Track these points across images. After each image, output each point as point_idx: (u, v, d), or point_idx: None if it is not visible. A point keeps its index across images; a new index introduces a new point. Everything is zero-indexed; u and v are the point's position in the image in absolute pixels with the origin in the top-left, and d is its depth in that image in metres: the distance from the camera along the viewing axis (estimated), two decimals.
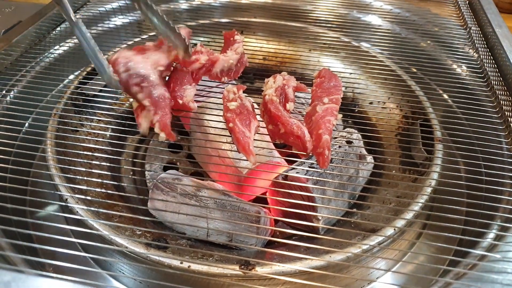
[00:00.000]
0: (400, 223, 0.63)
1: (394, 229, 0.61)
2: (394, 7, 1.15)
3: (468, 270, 0.51)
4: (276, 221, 0.77)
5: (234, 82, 0.96)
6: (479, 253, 0.54)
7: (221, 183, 0.78)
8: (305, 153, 0.61)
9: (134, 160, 0.90)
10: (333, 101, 0.67)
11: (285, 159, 0.82)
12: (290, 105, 0.66)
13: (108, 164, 0.81)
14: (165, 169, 0.89)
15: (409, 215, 0.64)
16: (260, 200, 0.79)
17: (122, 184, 0.82)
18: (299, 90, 0.71)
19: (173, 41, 0.66)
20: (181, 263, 0.55)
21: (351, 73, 1.01)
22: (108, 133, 0.86)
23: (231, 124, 0.61)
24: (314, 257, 0.59)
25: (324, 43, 1.04)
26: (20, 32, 0.84)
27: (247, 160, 0.71)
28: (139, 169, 0.89)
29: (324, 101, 0.66)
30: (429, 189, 0.67)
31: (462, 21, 1.07)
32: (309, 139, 0.60)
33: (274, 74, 0.77)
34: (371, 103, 0.96)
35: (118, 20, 1.09)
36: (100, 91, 0.87)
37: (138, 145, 0.93)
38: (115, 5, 1.10)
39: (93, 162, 0.79)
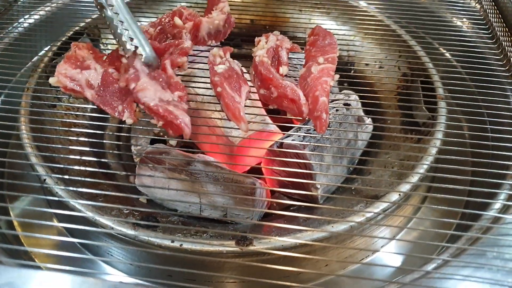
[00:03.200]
0: (405, 187, 0.59)
1: (399, 194, 0.57)
2: None
3: (482, 235, 0.47)
4: (272, 192, 0.73)
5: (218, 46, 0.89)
6: (492, 214, 0.51)
7: (212, 154, 0.74)
8: (301, 118, 0.56)
9: (119, 134, 0.84)
10: (329, 60, 0.61)
11: (278, 126, 0.77)
12: (283, 69, 0.60)
13: (90, 140, 0.76)
14: (152, 142, 0.84)
15: (414, 178, 0.60)
16: (255, 171, 0.75)
17: (106, 160, 0.77)
18: (293, 51, 0.65)
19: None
20: (172, 242, 0.51)
21: (344, 33, 0.95)
22: (89, 107, 0.80)
23: (219, 89, 0.55)
24: (315, 228, 0.55)
25: (315, 2, 0.97)
26: None
27: (238, 129, 0.66)
28: (125, 143, 0.84)
29: (319, 61, 0.61)
30: (434, 150, 0.63)
31: None
32: (305, 102, 0.55)
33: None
34: (367, 64, 0.91)
35: None
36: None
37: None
38: None
39: (73, 138, 0.74)
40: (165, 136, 0.85)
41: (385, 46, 0.89)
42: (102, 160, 0.75)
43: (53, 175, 0.60)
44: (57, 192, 0.57)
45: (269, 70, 0.57)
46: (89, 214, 0.54)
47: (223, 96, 0.55)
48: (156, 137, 0.84)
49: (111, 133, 0.83)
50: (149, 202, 0.70)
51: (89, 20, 0.88)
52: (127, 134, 0.85)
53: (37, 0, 0.93)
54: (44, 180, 0.59)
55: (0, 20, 0.84)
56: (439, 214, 0.65)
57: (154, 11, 0.94)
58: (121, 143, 0.84)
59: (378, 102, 0.84)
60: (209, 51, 0.69)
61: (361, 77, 0.90)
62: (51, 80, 0.57)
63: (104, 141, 0.80)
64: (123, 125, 0.86)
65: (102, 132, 0.81)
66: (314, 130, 0.67)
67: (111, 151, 0.79)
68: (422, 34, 0.87)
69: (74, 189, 0.57)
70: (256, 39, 0.66)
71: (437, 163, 0.62)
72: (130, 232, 0.52)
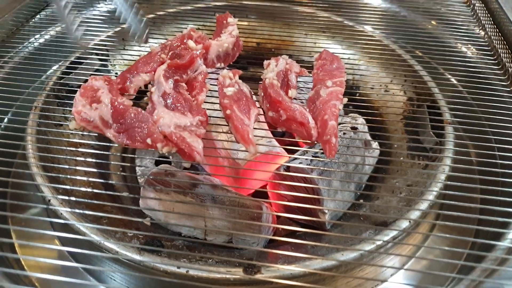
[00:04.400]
0: (414, 214, 0.58)
1: (409, 222, 0.56)
2: None
3: (498, 266, 0.46)
4: (278, 217, 0.72)
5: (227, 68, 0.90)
6: (507, 245, 0.50)
7: (218, 177, 0.73)
8: (310, 141, 0.55)
9: (123, 155, 0.84)
10: (337, 84, 0.61)
11: (284, 149, 0.77)
12: (292, 92, 0.60)
13: (95, 160, 0.75)
14: (157, 163, 0.84)
15: (423, 205, 0.59)
16: (259, 194, 0.74)
17: (111, 182, 0.76)
18: (301, 74, 0.65)
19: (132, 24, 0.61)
20: (178, 268, 0.50)
21: (349, 57, 0.96)
22: None
23: (228, 111, 0.55)
24: (323, 256, 0.54)
25: (321, 25, 0.98)
26: None
27: (245, 151, 0.65)
28: (129, 164, 0.83)
29: (328, 84, 0.61)
30: (442, 176, 0.62)
31: None
32: (314, 125, 0.55)
33: (269, 59, 0.72)
34: (372, 87, 0.91)
35: (104, 6, 1.01)
36: (85, 81, 0.80)
37: None
38: None
39: (79, 158, 0.73)
40: (170, 157, 0.85)
41: (390, 70, 0.90)
42: (108, 181, 0.74)
43: (58, 196, 0.59)
44: (61, 214, 0.56)
45: (278, 93, 0.57)
46: (94, 237, 0.53)
47: (232, 118, 0.55)
48: (161, 158, 0.84)
49: (116, 153, 0.83)
50: (153, 224, 0.69)
51: (98, 40, 0.89)
52: (132, 155, 0.84)
53: (47, 20, 0.94)
54: (49, 201, 0.59)
55: (11, 39, 0.85)
56: (449, 242, 0.64)
57: (162, 32, 0.95)
58: (126, 164, 0.83)
59: (384, 126, 0.84)
60: (213, 73, 0.70)
61: (367, 100, 0.90)
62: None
63: (110, 162, 0.80)
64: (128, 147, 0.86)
65: (108, 152, 0.80)
66: (322, 153, 0.67)
67: (117, 173, 0.79)
68: (427, 59, 0.87)
69: (80, 211, 0.56)
70: (265, 62, 0.66)
71: (445, 190, 0.62)
72: (136, 257, 0.51)
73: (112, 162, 0.81)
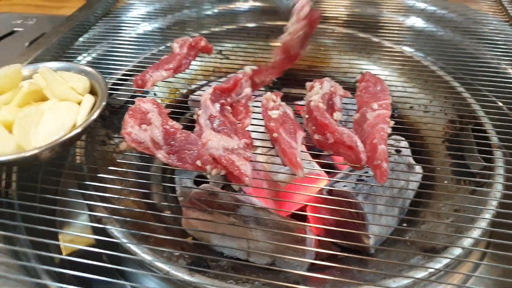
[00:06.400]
0: (467, 241, 0.57)
1: (462, 249, 0.55)
2: (429, 5, 1.09)
3: None
4: (318, 240, 0.71)
5: (262, 89, 0.91)
6: None
7: (257, 197, 0.73)
8: (358, 165, 0.55)
9: (163, 174, 0.85)
10: (383, 106, 0.61)
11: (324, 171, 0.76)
12: (337, 115, 0.60)
13: (137, 180, 0.77)
14: (195, 182, 0.84)
15: (476, 233, 0.58)
16: (295, 216, 0.73)
17: (153, 201, 0.77)
18: (345, 97, 0.65)
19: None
20: None
21: (386, 77, 0.95)
22: None
23: (275, 134, 0.55)
24: (370, 282, 0.53)
25: (356, 46, 0.98)
26: (45, 43, 0.80)
27: (284, 173, 0.66)
28: (169, 184, 0.84)
29: (374, 107, 0.61)
30: (494, 203, 0.60)
31: (505, 15, 1.00)
32: (363, 149, 0.54)
33: (302, 79, 0.72)
34: (411, 107, 0.90)
35: (141, 28, 1.04)
36: (127, 102, 0.82)
37: None
38: (137, 13, 1.06)
39: (122, 178, 0.75)
40: (208, 177, 0.85)
41: (429, 91, 0.89)
42: (149, 200, 0.75)
43: (108, 215, 0.60)
44: (112, 233, 0.57)
45: (324, 116, 0.57)
46: (145, 257, 0.53)
47: (279, 141, 0.55)
48: (199, 179, 0.84)
49: (156, 173, 0.84)
50: (195, 244, 0.69)
51: (137, 62, 0.91)
52: (171, 175, 0.85)
53: (90, 43, 0.97)
54: (100, 220, 0.60)
55: (58, 61, 0.88)
56: (501, 272, 0.62)
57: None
58: (166, 184, 0.84)
59: (424, 148, 0.82)
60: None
61: (406, 121, 0.89)
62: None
63: (151, 181, 0.81)
64: (167, 166, 0.87)
65: (149, 172, 0.81)
66: (367, 176, 0.66)
67: (158, 192, 0.80)
68: (469, 80, 0.86)
69: (129, 231, 0.57)
70: (309, 84, 0.66)
71: (497, 217, 0.60)
72: (186, 277, 0.51)
73: (152, 182, 0.82)
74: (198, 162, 0.55)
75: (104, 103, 0.62)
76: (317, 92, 0.61)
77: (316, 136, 0.58)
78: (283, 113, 0.59)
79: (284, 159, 0.55)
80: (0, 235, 0.57)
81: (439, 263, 0.53)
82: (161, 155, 0.56)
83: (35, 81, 0.67)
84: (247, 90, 0.66)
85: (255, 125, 0.66)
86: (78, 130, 0.59)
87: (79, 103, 0.63)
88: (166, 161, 0.56)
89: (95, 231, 0.68)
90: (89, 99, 0.63)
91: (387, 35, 1.00)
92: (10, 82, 0.65)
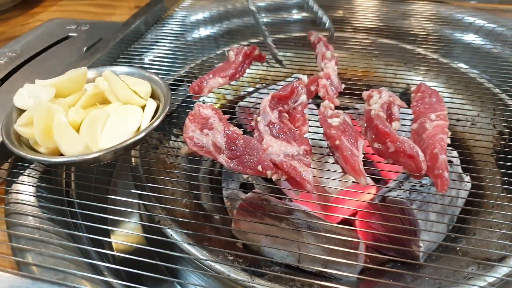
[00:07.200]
0: None
1: None
2: (478, 19, 1.08)
3: None
4: (366, 247, 0.72)
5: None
6: None
7: (306, 203, 0.74)
8: (418, 175, 0.56)
9: (210, 176, 0.87)
10: (441, 117, 0.62)
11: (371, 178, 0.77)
12: (396, 124, 0.61)
13: (188, 182, 0.79)
14: (241, 186, 0.86)
15: None
16: (344, 224, 0.74)
17: (202, 202, 0.79)
18: (402, 107, 0.66)
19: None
20: None
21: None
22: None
23: (337, 142, 0.57)
24: None
25: (402, 57, 0.99)
26: (103, 48, 0.84)
27: (335, 180, 0.66)
28: (217, 186, 0.86)
29: (431, 118, 0.61)
30: None
31: None
32: (423, 159, 0.55)
33: (348, 89, 0.74)
34: (458, 119, 0.90)
35: (191, 36, 1.08)
36: (178, 106, 0.85)
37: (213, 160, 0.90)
38: (187, 21, 1.10)
39: (174, 180, 0.77)
40: (254, 181, 0.87)
41: (477, 103, 0.88)
42: (199, 202, 0.77)
43: (166, 216, 0.62)
44: (171, 235, 0.59)
45: (385, 124, 0.58)
46: (203, 258, 0.55)
47: (341, 149, 0.56)
48: (245, 181, 0.86)
49: (205, 175, 0.86)
50: (245, 247, 0.71)
51: (188, 68, 0.94)
52: (218, 177, 0.87)
53: (143, 48, 1.00)
54: (158, 221, 0.62)
55: (114, 65, 0.91)
56: None
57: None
58: (212, 185, 0.86)
59: (472, 159, 0.82)
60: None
61: (453, 133, 0.89)
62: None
63: (200, 183, 0.83)
64: (214, 168, 0.89)
65: (197, 174, 0.83)
66: (421, 186, 0.67)
67: (208, 194, 0.82)
68: None
69: (189, 232, 0.59)
70: (366, 93, 0.68)
71: None
72: (247, 281, 0.53)
73: (201, 184, 0.84)
74: (259, 167, 0.56)
75: (167, 109, 0.64)
76: (376, 101, 0.62)
77: (376, 145, 0.59)
78: (343, 121, 0.61)
79: (346, 167, 0.56)
80: (65, 233, 0.59)
81: (498, 273, 0.53)
82: (222, 159, 0.58)
83: (98, 84, 0.70)
84: (303, 98, 0.67)
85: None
86: (142, 134, 0.61)
87: (141, 107, 0.66)
88: (228, 165, 0.57)
89: (149, 231, 0.70)
90: (152, 104, 0.66)
91: (433, 47, 1.00)
92: (76, 84, 0.68)
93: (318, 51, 0.82)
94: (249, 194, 0.72)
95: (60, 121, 0.59)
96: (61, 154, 0.59)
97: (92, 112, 0.62)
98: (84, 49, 0.89)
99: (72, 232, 0.59)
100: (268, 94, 0.65)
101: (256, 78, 0.99)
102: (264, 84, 0.98)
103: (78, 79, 0.67)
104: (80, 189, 0.72)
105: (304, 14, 1.16)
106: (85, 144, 0.59)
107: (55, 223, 0.57)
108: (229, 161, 0.58)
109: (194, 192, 0.78)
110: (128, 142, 0.60)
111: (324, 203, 0.73)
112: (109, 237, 0.75)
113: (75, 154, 0.58)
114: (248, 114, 0.90)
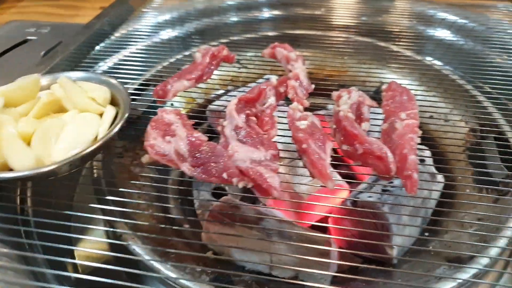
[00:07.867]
0: (494, 251, 0.56)
1: (490, 259, 0.54)
2: (450, 15, 1.08)
3: None
4: (339, 252, 0.70)
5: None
6: None
7: (279, 209, 0.72)
8: (387, 176, 0.54)
9: (180, 187, 0.83)
10: (411, 116, 0.60)
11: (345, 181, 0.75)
12: (365, 125, 0.59)
13: (155, 193, 0.75)
14: (213, 195, 0.83)
15: (502, 242, 0.56)
16: (316, 228, 0.72)
17: (171, 215, 0.76)
18: (372, 107, 0.64)
19: None
20: None
21: (406, 85, 0.95)
22: None
23: (304, 145, 0.54)
24: None
25: (374, 54, 0.98)
26: (62, 52, 0.80)
27: (306, 184, 0.64)
28: (186, 197, 0.83)
29: (402, 117, 0.60)
30: None
31: None
32: (393, 160, 0.53)
33: (320, 89, 0.72)
34: (431, 116, 0.89)
35: (158, 37, 1.04)
36: (143, 112, 0.81)
37: None
38: (154, 22, 1.06)
39: (140, 192, 0.73)
40: (226, 189, 0.84)
41: (449, 99, 0.88)
42: (168, 213, 0.74)
43: (129, 232, 0.59)
44: (134, 250, 0.56)
45: (354, 126, 0.56)
46: (170, 274, 0.52)
47: (309, 153, 0.54)
48: (217, 191, 0.83)
49: (173, 186, 0.82)
50: (215, 258, 0.68)
51: (154, 71, 0.90)
52: (188, 187, 0.84)
53: (107, 51, 0.96)
54: (120, 236, 0.58)
55: (75, 70, 0.87)
56: None
57: None
58: (183, 196, 0.83)
59: (444, 157, 0.81)
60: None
61: (425, 130, 0.88)
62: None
63: (168, 194, 0.80)
64: (183, 178, 0.86)
65: (166, 185, 0.80)
66: (392, 187, 0.65)
67: (176, 205, 0.78)
68: (488, 89, 0.85)
69: (154, 247, 0.56)
70: (335, 93, 0.66)
71: None
72: None
73: (170, 195, 0.80)
74: (225, 175, 0.53)
75: (126, 115, 0.61)
76: (345, 102, 0.60)
77: (344, 147, 0.57)
78: (311, 123, 0.58)
79: (313, 171, 0.54)
80: (17, 255, 0.55)
81: (467, 273, 0.52)
82: (185, 168, 0.55)
83: (53, 91, 0.66)
84: (272, 100, 0.65)
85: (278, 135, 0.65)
86: (100, 143, 0.57)
87: (99, 115, 0.62)
88: (191, 174, 0.55)
89: (113, 247, 0.66)
90: (111, 111, 0.62)
91: (407, 44, 0.99)
92: (28, 93, 0.64)
93: (280, 56, 0.79)
94: (217, 203, 0.69)
95: (9, 133, 0.55)
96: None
97: (45, 122, 0.58)
98: (42, 54, 0.85)
99: (25, 253, 0.55)
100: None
101: (227, 79, 0.96)
102: (235, 86, 0.95)
103: (30, 87, 0.63)
104: (38, 206, 0.68)
105: (276, 12, 1.14)
106: (36, 158, 0.55)
107: (4, 244, 0.53)
108: (193, 169, 0.55)
109: (162, 204, 0.74)
110: (84, 153, 0.56)
111: (294, 210, 0.71)
112: (72, 257, 0.70)
113: (25, 168, 0.54)
114: (219, 117, 0.87)
